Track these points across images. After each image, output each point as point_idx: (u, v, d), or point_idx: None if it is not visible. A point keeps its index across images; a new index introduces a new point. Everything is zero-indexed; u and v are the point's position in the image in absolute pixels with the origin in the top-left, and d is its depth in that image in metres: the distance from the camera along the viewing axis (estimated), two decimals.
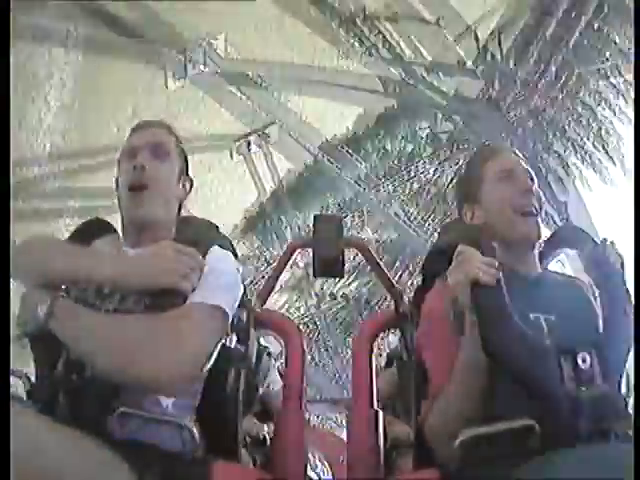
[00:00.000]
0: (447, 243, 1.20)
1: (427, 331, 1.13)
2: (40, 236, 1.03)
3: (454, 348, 1.03)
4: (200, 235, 1.11)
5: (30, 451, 0.65)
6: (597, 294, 1.09)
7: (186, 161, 1.25)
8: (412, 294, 1.49)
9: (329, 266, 1.62)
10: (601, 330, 0.98)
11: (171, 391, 0.85)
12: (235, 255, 1.16)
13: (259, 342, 2.45)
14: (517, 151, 1.25)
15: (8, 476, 0.61)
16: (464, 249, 1.02)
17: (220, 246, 1.10)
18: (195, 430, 0.88)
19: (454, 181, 5.88)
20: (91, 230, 1.18)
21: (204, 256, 1.02)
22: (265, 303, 1.83)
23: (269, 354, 2.45)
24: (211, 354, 0.92)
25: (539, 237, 1.15)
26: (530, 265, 1.17)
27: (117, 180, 1.18)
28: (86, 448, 0.71)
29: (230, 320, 0.98)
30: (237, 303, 1.04)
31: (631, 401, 0.97)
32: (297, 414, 1.50)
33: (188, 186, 1.24)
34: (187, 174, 1.24)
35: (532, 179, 1.18)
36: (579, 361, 0.90)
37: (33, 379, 0.93)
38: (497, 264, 1.00)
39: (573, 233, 1.19)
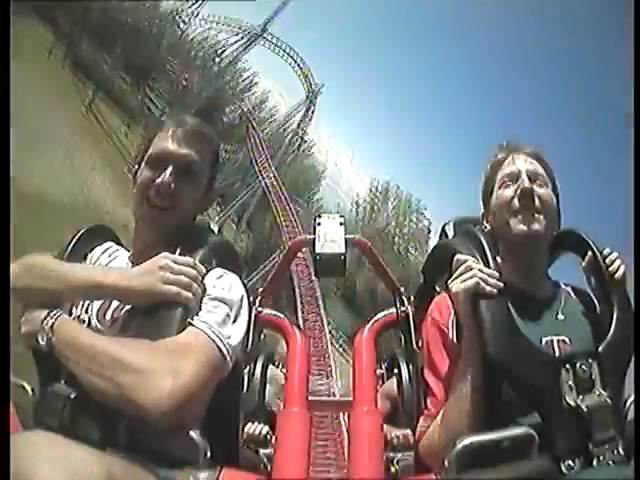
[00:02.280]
0: (449, 245, 1.20)
1: (427, 351, 1.13)
2: (39, 255, 1.02)
3: (453, 368, 1.03)
4: (210, 251, 1.07)
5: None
6: (597, 302, 1.09)
7: (215, 168, 1.17)
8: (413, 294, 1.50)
9: (330, 266, 1.62)
10: (600, 339, 0.98)
11: (160, 423, 0.81)
12: (241, 272, 1.13)
13: (264, 342, 2.46)
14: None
15: (8, 476, 0.60)
16: (463, 258, 1.02)
17: (230, 267, 1.08)
18: (201, 437, 0.86)
19: None
20: (92, 237, 1.18)
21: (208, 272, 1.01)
22: (267, 303, 1.83)
23: (272, 355, 2.45)
24: (204, 389, 0.89)
25: (536, 236, 1.08)
26: (539, 286, 1.14)
27: (135, 179, 1.11)
28: (94, 457, 0.70)
29: (230, 359, 0.94)
30: (243, 340, 1.00)
31: (630, 403, 0.97)
32: (300, 414, 1.50)
33: (209, 201, 1.18)
34: (212, 186, 1.17)
35: (541, 180, 1.13)
36: (579, 371, 0.90)
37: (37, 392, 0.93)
38: (498, 274, 1.00)
39: (574, 239, 1.18)
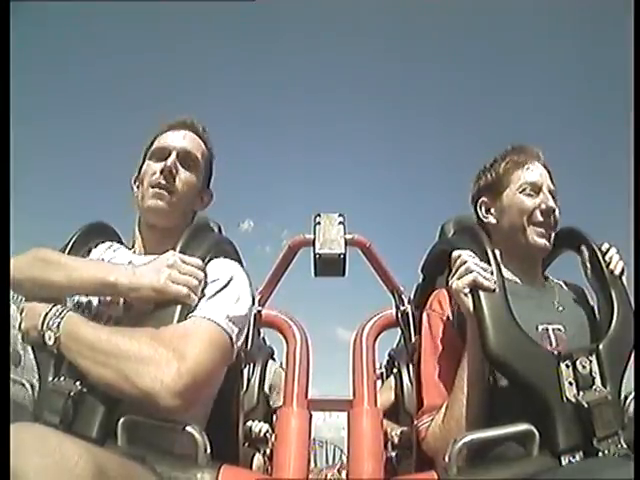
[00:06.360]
0: (448, 243, 1.20)
1: (425, 342, 1.13)
2: (40, 249, 1.02)
3: (452, 361, 1.03)
4: (209, 245, 1.08)
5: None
6: (595, 297, 1.10)
7: (211, 172, 1.23)
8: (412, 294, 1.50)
9: (330, 266, 1.61)
10: (600, 335, 0.98)
11: (169, 408, 0.80)
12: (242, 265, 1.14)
13: (265, 341, 2.46)
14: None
15: (8, 476, 0.60)
16: (460, 254, 1.02)
17: (229, 258, 1.10)
18: (202, 434, 0.85)
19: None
20: (93, 235, 1.17)
21: (207, 264, 1.02)
22: (267, 302, 1.83)
23: (272, 354, 2.45)
24: (212, 372, 0.88)
25: (546, 251, 1.16)
26: (535, 279, 1.18)
27: (137, 177, 1.16)
28: (86, 450, 0.69)
29: (235, 340, 0.95)
30: (245, 322, 1.01)
31: (631, 399, 0.97)
32: (300, 413, 1.50)
33: (207, 199, 1.23)
34: (209, 187, 1.23)
35: (554, 197, 1.17)
36: (579, 367, 0.90)
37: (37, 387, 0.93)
38: (494, 269, 1.00)
39: (572, 235, 1.19)
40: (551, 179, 1.20)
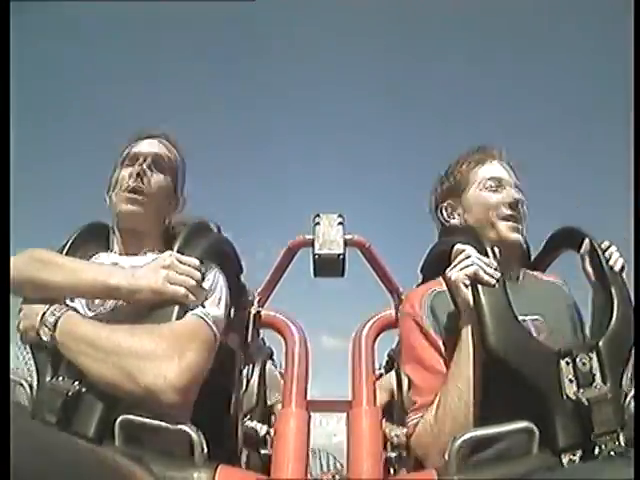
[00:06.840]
0: (447, 243, 1.21)
1: (408, 337, 1.13)
2: (36, 249, 1.02)
3: (435, 357, 1.04)
4: (208, 245, 1.09)
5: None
6: (595, 294, 1.10)
7: (183, 179, 1.26)
8: None
9: (329, 266, 1.61)
10: (600, 332, 0.98)
11: (171, 403, 0.81)
12: (241, 269, 1.18)
13: (264, 342, 2.45)
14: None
15: (8, 476, 0.59)
16: (463, 247, 1.03)
17: (227, 265, 1.14)
18: (198, 434, 0.85)
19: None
20: (91, 235, 1.18)
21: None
22: (266, 303, 1.83)
23: (271, 355, 2.45)
24: (205, 368, 0.91)
25: (518, 244, 1.18)
26: (511, 273, 1.18)
27: (110, 185, 1.19)
28: (94, 453, 0.69)
29: (218, 340, 0.98)
30: (222, 325, 1.04)
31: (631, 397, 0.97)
32: (298, 414, 1.50)
33: (180, 205, 1.25)
34: (182, 192, 1.26)
35: (520, 190, 1.19)
36: (579, 364, 0.90)
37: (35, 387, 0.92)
38: (496, 264, 1.01)
39: (573, 234, 1.19)
40: (515, 175, 1.21)
